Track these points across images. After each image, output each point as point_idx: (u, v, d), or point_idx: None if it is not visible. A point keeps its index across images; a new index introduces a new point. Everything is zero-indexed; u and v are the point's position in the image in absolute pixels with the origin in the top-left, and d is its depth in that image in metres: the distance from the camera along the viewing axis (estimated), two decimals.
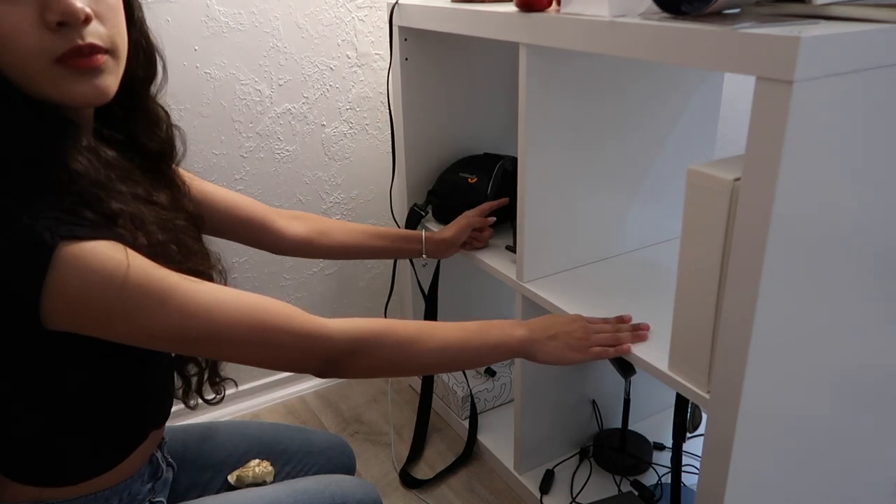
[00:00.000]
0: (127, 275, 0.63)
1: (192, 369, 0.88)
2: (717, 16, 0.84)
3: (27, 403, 0.72)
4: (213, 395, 0.90)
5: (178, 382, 0.88)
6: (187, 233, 0.79)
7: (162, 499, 0.87)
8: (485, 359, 0.93)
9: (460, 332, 0.90)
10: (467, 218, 1.37)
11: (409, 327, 0.86)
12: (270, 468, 1.00)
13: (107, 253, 0.63)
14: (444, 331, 0.89)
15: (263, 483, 0.98)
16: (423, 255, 1.31)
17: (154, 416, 0.86)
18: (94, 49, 0.63)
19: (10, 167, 0.63)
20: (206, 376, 0.90)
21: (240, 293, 0.73)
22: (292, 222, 1.13)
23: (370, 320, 0.83)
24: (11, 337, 0.66)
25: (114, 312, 0.64)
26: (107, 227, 0.65)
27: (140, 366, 0.79)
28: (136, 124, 0.78)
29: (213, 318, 0.69)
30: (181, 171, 0.90)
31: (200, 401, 0.92)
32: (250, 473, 0.98)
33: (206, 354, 0.74)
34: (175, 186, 0.85)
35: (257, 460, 1.00)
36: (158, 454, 0.88)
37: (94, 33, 0.63)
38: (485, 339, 0.92)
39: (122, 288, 0.63)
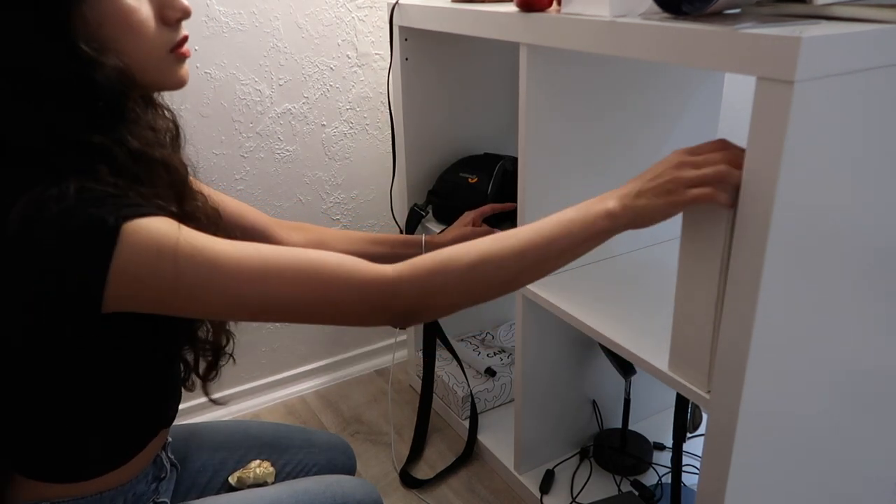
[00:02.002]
0: (182, 247, 0.64)
1: (189, 352, 0.86)
2: (718, 16, 0.84)
3: (46, 399, 0.73)
4: (213, 373, 0.88)
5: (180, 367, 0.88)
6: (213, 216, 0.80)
7: (166, 499, 0.88)
8: (576, 249, 0.78)
9: (534, 233, 0.77)
10: (466, 219, 1.37)
11: (473, 247, 0.76)
12: (271, 469, 1.00)
13: (164, 227, 0.64)
14: (516, 237, 0.77)
15: (264, 484, 0.98)
16: None
17: (167, 412, 0.86)
18: (187, 39, 0.72)
19: (73, 148, 0.64)
20: (207, 355, 0.88)
21: (293, 251, 0.70)
22: (292, 233, 1.13)
23: (429, 255, 0.75)
24: (53, 328, 0.66)
25: (174, 284, 0.64)
26: (155, 205, 0.67)
27: (161, 361, 0.80)
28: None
29: (268, 284, 0.68)
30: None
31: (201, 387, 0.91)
32: (251, 474, 0.98)
33: (270, 319, 0.71)
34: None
35: (258, 461, 1.00)
36: (163, 454, 0.88)
37: (184, 27, 0.72)
38: (566, 227, 0.78)
39: (178, 260, 0.64)
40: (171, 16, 0.68)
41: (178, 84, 0.72)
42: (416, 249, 1.27)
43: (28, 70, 0.62)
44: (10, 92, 0.62)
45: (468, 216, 1.37)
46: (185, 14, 0.70)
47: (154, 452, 0.86)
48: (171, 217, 0.66)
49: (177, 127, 0.80)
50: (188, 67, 0.74)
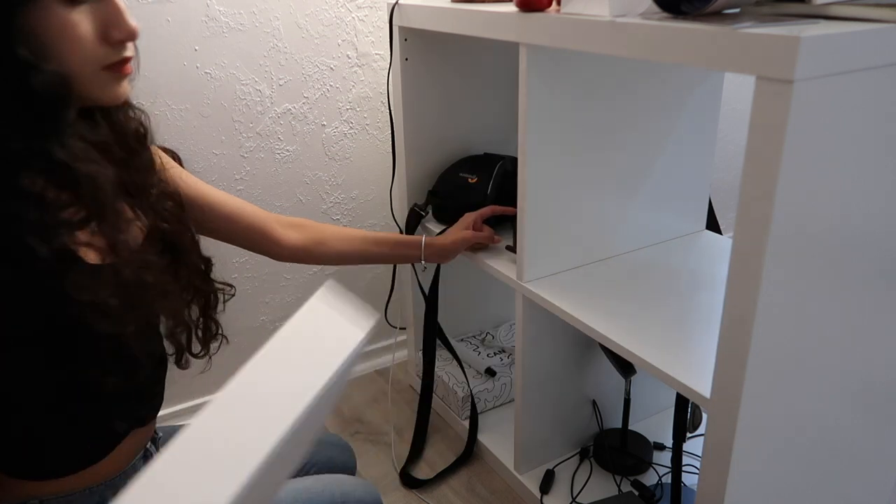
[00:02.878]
0: None
1: (182, 333, 0.86)
2: (717, 16, 0.84)
3: (16, 398, 0.73)
4: (203, 351, 0.89)
5: (170, 349, 0.87)
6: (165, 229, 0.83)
7: None
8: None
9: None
10: (467, 221, 1.37)
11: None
12: None
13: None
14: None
15: None
16: (422, 261, 1.30)
17: (137, 413, 0.85)
18: (130, 59, 0.73)
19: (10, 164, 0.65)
20: (197, 334, 0.89)
21: None
22: (290, 231, 1.13)
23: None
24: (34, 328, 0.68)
25: None
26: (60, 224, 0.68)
27: (124, 361, 0.78)
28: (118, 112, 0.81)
29: None
30: (162, 154, 0.91)
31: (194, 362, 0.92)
32: None
33: None
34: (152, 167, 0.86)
35: None
36: (152, 448, 0.88)
37: (132, 47, 0.73)
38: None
39: None
40: (114, 35, 0.69)
41: (113, 101, 0.73)
42: (416, 250, 1.27)
43: None
44: None
45: (469, 218, 1.37)
46: (130, 36, 0.70)
47: (139, 446, 0.85)
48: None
49: (145, 129, 0.82)
50: (129, 85, 0.74)
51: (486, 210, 1.39)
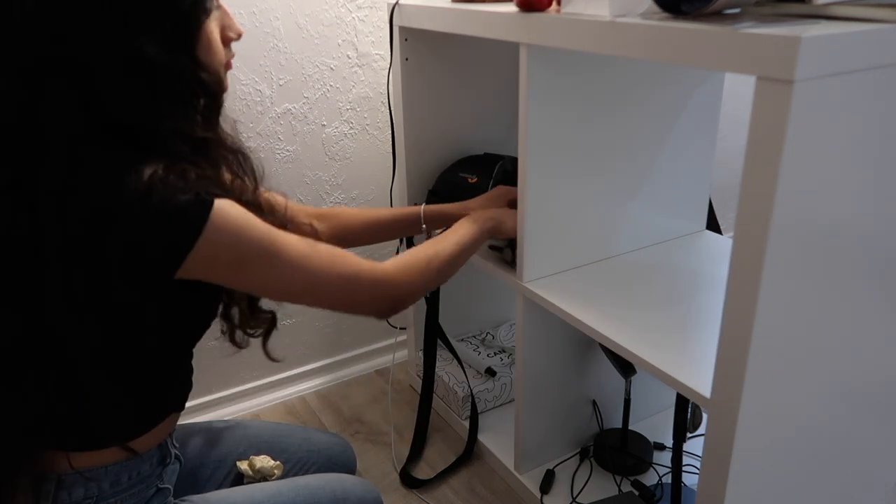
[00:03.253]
0: (255, 232, 0.77)
1: (235, 311, 0.93)
2: (718, 16, 0.84)
3: (75, 361, 0.77)
4: (257, 330, 0.94)
5: (223, 327, 0.93)
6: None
7: (169, 486, 0.88)
8: (474, 250, 1.13)
9: (453, 240, 1.07)
10: (502, 199, 1.33)
11: (441, 248, 1.04)
12: (280, 464, 1.00)
13: (241, 212, 0.76)
14: (447, 240, 1.06)
15: (271, 475, 0.98)
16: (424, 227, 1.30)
17: (179, 396, 0.90)
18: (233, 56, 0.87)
19: (184, 138, 0.76)
20: (247, 313, 0.93)
21: (333, 251, 0.87)
22: (316, 223, 1.17)
23: (415, 253, 0.99)
24: (123, 288, 0.73)
25: (244, 259, 0.77)
26: (225, 190, 0.78)
27: (187, 338, 0.87)
28: None
29: (311, 270, 0.83)
30: None
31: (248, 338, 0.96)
32: (258, 463, 0.98)
33: (299, 300, 0.86)
34: None
35: (267, 456, 1.00)
36: (169, 440, 0.89)
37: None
38: (470, 238, 1.11)
39: (252, 242, 0.77)
40: (229, 37, 0.82)
41: (225, 91, 0.84)
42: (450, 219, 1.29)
43: (159, 70, 0.72)
44: (144, 90, 0.72)
45: (503, 196, 1.34)
46: (239, 36, 0.84)
47: (162, 435, 0.87)
48: (245, 205, 0.79)
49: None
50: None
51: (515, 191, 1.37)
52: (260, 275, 0.79)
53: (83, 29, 0.68)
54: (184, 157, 0.74)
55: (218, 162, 0.80)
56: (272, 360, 1.01)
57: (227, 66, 0.84)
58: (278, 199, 1.09)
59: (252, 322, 0.92)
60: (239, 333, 0.92)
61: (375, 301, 0.92)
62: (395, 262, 0.95)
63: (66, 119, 0.70)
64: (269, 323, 0.93)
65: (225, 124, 0.83)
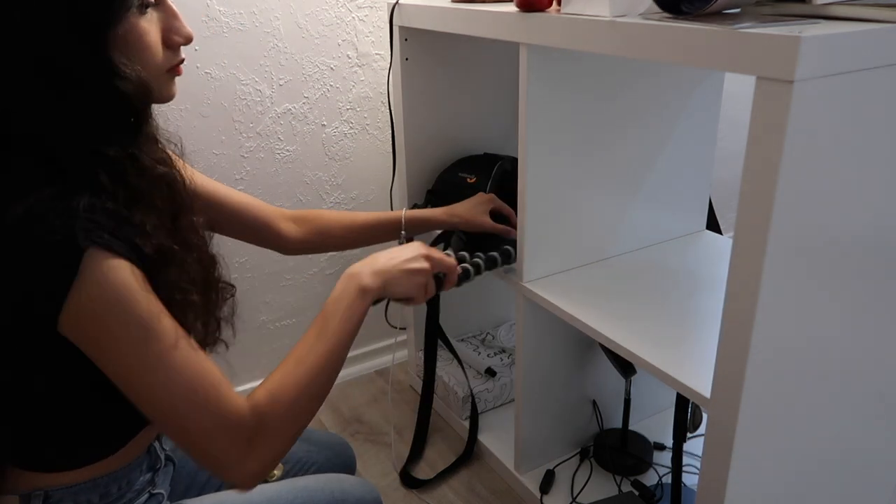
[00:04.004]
0: (132, 309, 0.66)
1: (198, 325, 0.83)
2: (718, 15, 0.84)
3: (32, 390, 0.73)
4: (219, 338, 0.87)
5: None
6: (199, 241, 0.81)
7: (162, 491, 0.87)
8: (350, 340, 0.85)
9: (319, 342, 0.82)
10: (483, 207, 1.30)
11: (279, 371, 0.79)
12: (280, 465, 1.00)
13: (126, 277, 0.65)
14: (312, 350, 0.81)
15: (272, 476, 0.98)
16: (402, 234, 1.24)
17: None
18: (183, 61, 0.78)
19: (87, 155, 0.67)
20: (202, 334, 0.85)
21: (201, 358, 0.71)
22: (292, 225, 1.14)
23: (263, 391, 0.76)
24: (29, 332, 0.67)
25: (113, 335, 0.66)
26: (131, 246, 0.67)
27: None
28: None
29: (169, 383, 0.68)
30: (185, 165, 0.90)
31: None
32: None
33: (145, 409, 0.70)
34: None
35: None
36: (156, 444, 0.88)
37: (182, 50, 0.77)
38: (338, 327, 0.83)
39: (124, 317, 0.65)
40: (175, 41, 0.74)
41: (168, 98, 0.77)
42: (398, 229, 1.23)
43: (64, 74, 0.65)
44: (43, 92, 0.65)
45: (485, 203, 1.31)
46: (188, 40, 0.75)
47: (146, 442, 0.86)
48: (141, 255, 0.68)
49: (180, 140, 0.84)
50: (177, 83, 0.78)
51: (501, 207, 1.33)
52: (120, 358, 0.67)
53: None
54: (87, 179, 0.66)
55: (132, 186, 0.70)
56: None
57: (174, 71, 0.75)
58: (246, 201, 1.06)
59: (210, 339, 0.84)
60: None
61: (218, 458, 0.71)
62: (257, 400, 0.74)
63: None
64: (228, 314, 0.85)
65: (162, 140, 0.76)
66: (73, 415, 0.77)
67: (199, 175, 1.00)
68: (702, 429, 1.18)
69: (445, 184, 1.51)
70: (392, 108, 1.56)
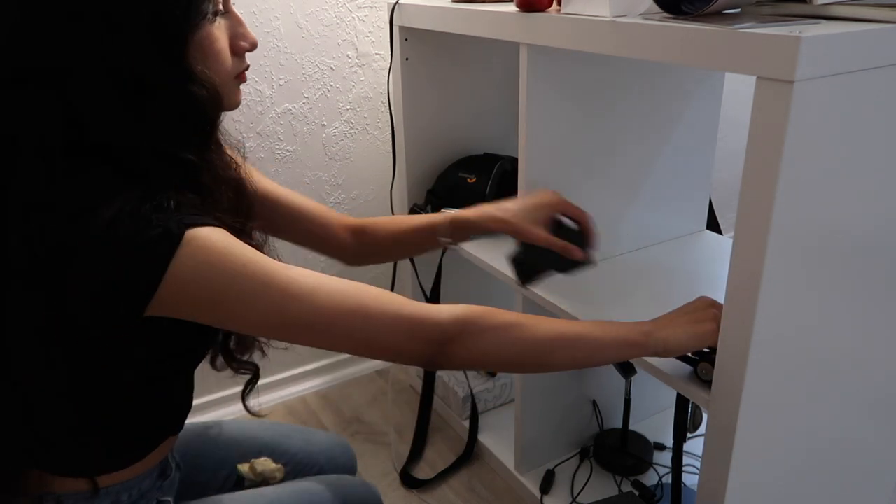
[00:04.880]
0: (237, 260, 0.67)
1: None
2: (718, 15, 0.84)
3: (66, 393, 0.74)
4: (241, 371, 0.88)
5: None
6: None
7: (169, 499, 0.88)
8: (606, 353, 0.83)
9: (575, 324, 0.83)
10: (540, 212, 1.05)
11: (511, 314, 0.80)
12: (281, 467, 1.00)
13: (221, 239, 0.67)
14: (554, 321, 0.82)
15: (273, 478, 0.98)
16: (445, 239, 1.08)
17: (178, 421, 0.87)
18: (248, 67, 0.79)
19: (166, 160, 0.69)
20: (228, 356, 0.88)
21: (337, 279, 0.73)
22: (349, 237, 1.06)
23: (471, 306, 0.79)
24: (95, 325, 0.68)
25: (224, 296, 0.67)
26: (213, 217, 0.70)
27: (180, 371, 0.82)
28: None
29: (316, 302, 0.70)
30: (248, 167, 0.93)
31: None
32: (259, 467, 0.98)
33: (307, 342, 0.73)
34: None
35: (266, 458, 1.00)
36: (169, 455, 0.89)
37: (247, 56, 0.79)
38: (605, 331, 0.83)
39: (233, 273, 0.67)
40: (242, 47, 0.75)
41: (235, 105, 0.78)
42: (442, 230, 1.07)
43: (143, 82, 0.66)
44: (124, 101, 0.66)
45: (544, 208, 1.05)
46: (253, 46, 0.76)
47: (163, 454, 0.86)
48: (229, 230, 0.70)
49: (243, 146, 0.86)
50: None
51: (566, 206, 1.06)
52: (245, 309, 0.68)
53: (63, 38, 0.64)
54: (166, 182, 0.68)
55: (206, 188, 0.72)
56: (252, 413, 0.94)
57: (241, 78, 0.77)
58: (307, 206, 1.01)
59: (234, 365, 0.87)
60: (220, 361, 0.88)
61: (413, 349, 0.75)
62: (452, 308, 0.77)
63: (43, 133, 0.65)
64: (251, 375, 0.88)
65: (226, 144, 0.77)
66: (104, 422, 0.77)
67: (261, 177, 0.98)
68: (702, 429, 1.18)
69: (445, 183, 1.51)
70: (392, 108, 1.56)
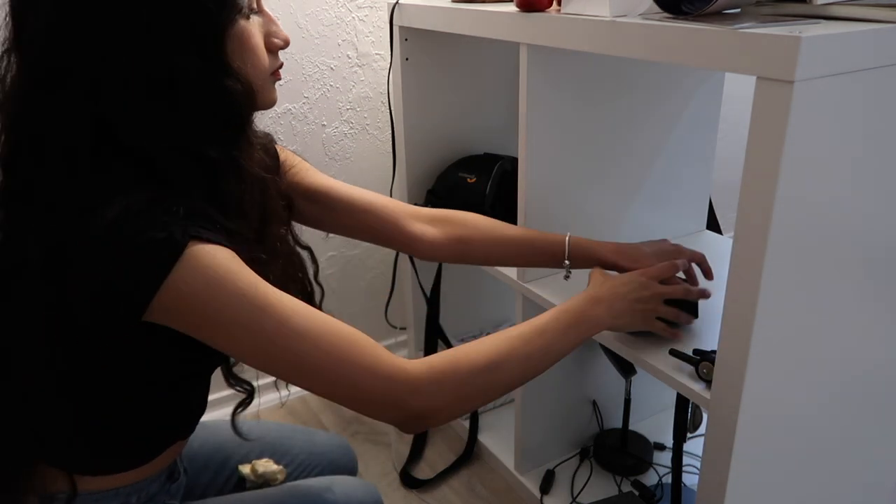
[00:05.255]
0: (235, 286, 0.66)
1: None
2: (718, 15, 0.84)
3: (80, 393, 0.74)
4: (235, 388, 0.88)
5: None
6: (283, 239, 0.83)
7: (175, 502, 0.88)
8: (564, 351, 0.86)
9: (539, 336, 0.83)
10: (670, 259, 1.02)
11: (483, 348, 0.79)
12: (283, 469, 1.00)
13: (225, 259, 0.66)
14: (523, 341, 0.82)
15: (274, 479, 0.98)
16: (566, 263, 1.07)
17: (190, 424, 0.87)
18: (282, 65, 0.79)
19: (188, 157, 0.68)
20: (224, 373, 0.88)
21: (334, 323, 0.71)
22: (428, 227, 1.04)
23: (444, 357, 0.77)
24: (98, 327, 0.67)
25: (216, 319, 0.66)
26: (226, 235, 0.69)
27: (193, 376, 0.82)
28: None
29: (303, 346, 0.68)
30: (290, 154, 0.95)
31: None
32: (260, 468, 0.98)
33: (288, 379, 0.71)
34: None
35: (269, 460, 1.00)
36: (177, 458, 0.89)
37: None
38: (562, 332, 0.85)
39: (229, 298, 0.66)
40: (276, 44, 0.76)
41: (272, 104, 0.77)
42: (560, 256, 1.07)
43: (178, 76, 0.65)
44: (156, 97, 0.65)
45: (669, 255, 1.05)
46: (286, 44, 0.77)
47: (173, 456, 0.86)
48: (240, 249, 0.69)
49: (274, 147, 0.87)
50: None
51: (697, 255, 1.06)
52: (234, 338, 0.67)
53: (99, 37, 0.63)
54: (188, 184, 0.68)
55: (229, 190, 0.72)
56: (241, 437, 0.94)
57: (276, 75, 0.77)
58: (367, 198, 0.99)
59: (231, 381, 0.86)
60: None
61: (387, 408, 0.73)
62: (429, 362, 0.76)
63: (70, 133, 0.65)
64: (245, 395, 0.86)
65: (257, 143, 0.77)
66: (105, 423, 0.77)
67: (315, 173, 0.97)
68: (702, 429, 1.18)
69: (445, 183, 1.51)
70: (392, 108, 1.56)
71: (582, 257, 1.05)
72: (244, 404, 0.87)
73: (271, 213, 0.79)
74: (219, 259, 0.65)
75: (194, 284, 0.64)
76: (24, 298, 0.68)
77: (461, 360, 0.76)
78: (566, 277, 1.07)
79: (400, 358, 0.75)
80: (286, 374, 0.70)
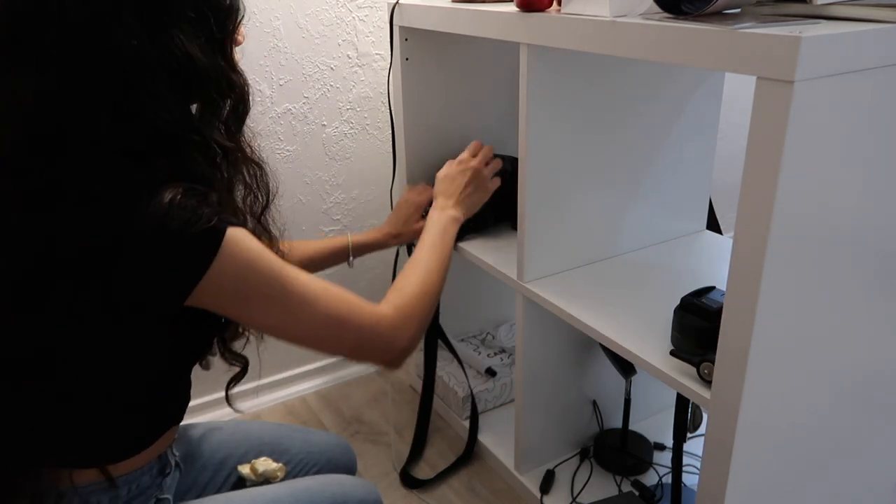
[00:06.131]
0: (267, 265, 0.75)
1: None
2: (718, 16, 0.84)
3: (73, 383, 0.75)
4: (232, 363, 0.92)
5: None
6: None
7: (169, 496, 0.88)
8: (450, 251, 1.12)
9: (432, 251, 1.08)
10: (411, 213, 1.39)
11: (412, 278, 0.98)
12: (283, 466, 1.00)
13: (253, 242, 0.74)
14: (427, 260, 1.05)
15: (275, 477, 0.98)
16: (350, 258, 1.32)
17: (179, 410, 0.88)
18: None
19: (205, 145, 0.74)
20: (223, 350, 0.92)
21: (329, 287, 0.82)
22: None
23: (387, 297, 0.92)
24: (135, 319, 0.72)
25: (251, 292, 0.74)
26: (237, 214, 0.79)
27: (190, 362, 0.85)
28: None
29: (317, 312, 0.80)
30: None
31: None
32: (260, 467, 0.98)
33: (302, 343, 0.82)
34: None
35: (266, 458, 1.00)
36: (168, 451, 0.89)
37: None
38: (445, 243, 1.11)
39: (263, 276, 0.75)
40: (239, 41, 0.82)
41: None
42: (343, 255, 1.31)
43: (197, 74, 0.72)
44: (178, 93, 0.71)
45: (411, 208, 1.39)
46: (243, 40, 0.84)
47: (162, 448, 0.87)
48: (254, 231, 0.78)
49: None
50: None
51: (425, 199, 1.39)
52: (264, 310, 0.76)
53: (122, 26, 0.66)
54: (203, 171, 0.73)
55: (235, 174, 0.79)
56: (232, 408, 1.00)
57: None
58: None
59: (228, 355, 0.90)
60: (207, 361, 0.91)
61: (382, 353, 0.88)
62: (391, 304, 0.91)
63: (93, 126, 0.68)
64: (240, 369, 0.92)
65: (247, 133, 0.83)
66: (106, 410, 0.78)
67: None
68: (702, 429, 1.18)
69: None
70: (392, 108, 1.56)
71: (362, 250, 1.32)
72: (239, 377, 0.93)
73: (271, 195, 0.86)
74: (248, 242, 0.73)
75: (235, 267, 0.72)
76: (55, 293, 0.70)
77: (407, 293, 0.94)
78: (350, 265, 1.33)
79: (371, 303, 0.87)
80: (303, 338, 0.81)
